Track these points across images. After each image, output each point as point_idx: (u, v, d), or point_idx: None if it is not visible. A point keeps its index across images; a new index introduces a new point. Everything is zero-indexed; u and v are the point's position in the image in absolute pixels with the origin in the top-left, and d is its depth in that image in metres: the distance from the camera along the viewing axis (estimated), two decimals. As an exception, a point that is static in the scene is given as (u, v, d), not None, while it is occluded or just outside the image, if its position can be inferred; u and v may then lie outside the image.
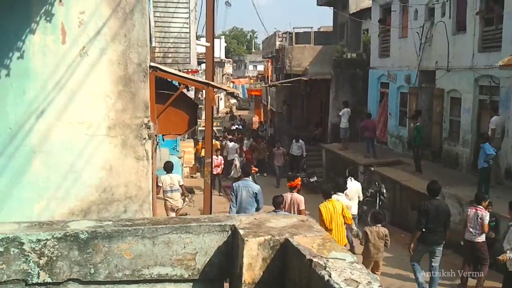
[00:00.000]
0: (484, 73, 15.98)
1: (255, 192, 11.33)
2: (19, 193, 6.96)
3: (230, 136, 30.65)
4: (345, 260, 2.38)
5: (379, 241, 10.70)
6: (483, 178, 13.31)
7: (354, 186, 13.81)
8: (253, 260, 2.66)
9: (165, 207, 13.45)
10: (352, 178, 14.21)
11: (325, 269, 2.26)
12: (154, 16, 9.98)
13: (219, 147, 27.40)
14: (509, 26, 14.79)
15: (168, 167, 13.59)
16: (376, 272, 10.68)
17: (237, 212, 11.40)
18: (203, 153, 20.97)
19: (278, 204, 10.47)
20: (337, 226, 10.55)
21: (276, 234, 2.73)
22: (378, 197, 15.59)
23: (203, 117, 15.56)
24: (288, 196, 11.23)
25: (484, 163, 13.05)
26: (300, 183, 11.96)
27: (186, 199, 14.93)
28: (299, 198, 11.27)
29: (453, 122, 18.31)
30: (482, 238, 10.79)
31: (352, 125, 23.85)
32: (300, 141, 25.10)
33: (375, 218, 11.34)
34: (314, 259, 2.36)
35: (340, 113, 23.36)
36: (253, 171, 12.71)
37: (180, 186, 13.62)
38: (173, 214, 13.38)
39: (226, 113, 61.25)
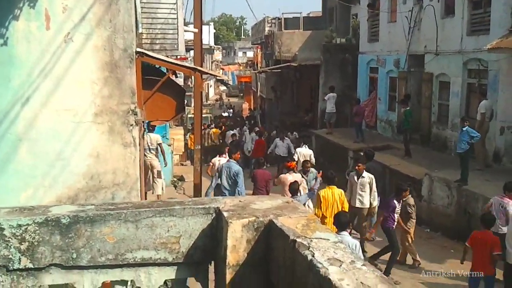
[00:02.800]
0: (473, 57, 15.99)
1: (235, 172, 11.77)
2: (6, 182, 6.91)
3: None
4: (329, 240, 2.36)
5: None
6: (467, 161, 13.28)
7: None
8: (237, 242, 2.64)
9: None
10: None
11: (308, 249, 2.24)
12: (141, 2, 9.86)
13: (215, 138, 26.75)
14: (497, 9, 14.78)
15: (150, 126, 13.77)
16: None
17: (215, 193, 12.24)
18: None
19: (295, 190, 11.02)
20: (333, 214, 10.62)
21: (260, 215, 2.71)
22: (368, 182, 15.61)
23: (193, 104, 15.50)
24: (288, 176, 12.33)
25: (467, 145, 12.96)
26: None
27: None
28: (299, 177, 12.51)
29: (442, 106, 18.34)
30: (505, 230, 10.07)
31: (340, 111, 23.80)
32: (286, 139, 21.57)
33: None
34: (298, 240, 2.34)
35: (326, 98, 23.32)
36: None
37: (158, 144, 14.01)
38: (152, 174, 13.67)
39: (216, 100, 61.18)
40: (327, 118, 23.19)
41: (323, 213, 10.71)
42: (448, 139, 17.48)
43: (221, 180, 11.98)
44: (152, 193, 14.03)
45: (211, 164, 14.33)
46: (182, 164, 25.04)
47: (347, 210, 10.90)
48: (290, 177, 12.26)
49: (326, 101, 23.15)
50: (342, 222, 8.29)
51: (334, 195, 10.86)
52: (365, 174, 12.49)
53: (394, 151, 18.55)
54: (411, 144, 17.80)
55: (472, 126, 13.61)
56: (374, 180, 12.58)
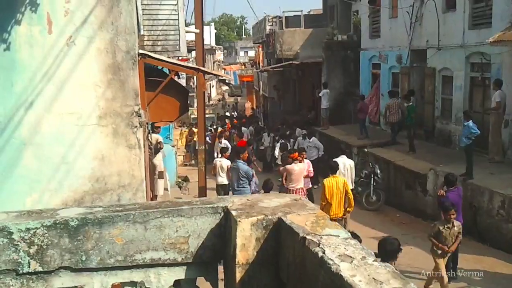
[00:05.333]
0: (475, 50, 15.93)
1: (244, 172, 12.45)
2: (11, 186, 6.90)
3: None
4: (339, 236, 2.35)
5: None
6: (471, 155, 13.25)
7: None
8: (247, 240, 2.63)
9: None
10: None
11: (319, 246, 2.23)
12: (142, 4, 9.87)
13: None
14: (499, 2, 14.72)
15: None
16: None
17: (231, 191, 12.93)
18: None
19: (269, 189, 11.44)
20: (337, 202, 11.04)
21: (269, 213, 2.70)
22: (372, 178, 15.60)
23: (196, 105, 15.53)
24: (294, 166, 12.98)
25: (468, 140, 12.95)
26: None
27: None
28: (304, 165, 13.37)
29: (445, 101, 18.27)
30: None
31: (343, 108, 23.84)
32: (272, 134, 24.11)
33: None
34: (308, 237, 2.33)
35: (320, 94, 23.61)
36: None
37: (158, 143, 14.02)
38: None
39: (219, 100, 61.06)
40: (324, 114, 23.53)
41: (328, 201, 10.97)
42: (452, 134, 17.43)
43: (231, 182, 12.30)
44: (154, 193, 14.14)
45: (214, 164, 14.70)
46: (186, 165, 25.04)
47: (352, 198, 11.28)
48: (296, 167, 12.95)
49: (321, 98, 23.48)
50: (387, 250, 6.45)
51: (338, 183, 11.13)
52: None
53: (398, 146, 18.50)
54: (415, 139, 17.75)
55: (475, 119, 13.56)
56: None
